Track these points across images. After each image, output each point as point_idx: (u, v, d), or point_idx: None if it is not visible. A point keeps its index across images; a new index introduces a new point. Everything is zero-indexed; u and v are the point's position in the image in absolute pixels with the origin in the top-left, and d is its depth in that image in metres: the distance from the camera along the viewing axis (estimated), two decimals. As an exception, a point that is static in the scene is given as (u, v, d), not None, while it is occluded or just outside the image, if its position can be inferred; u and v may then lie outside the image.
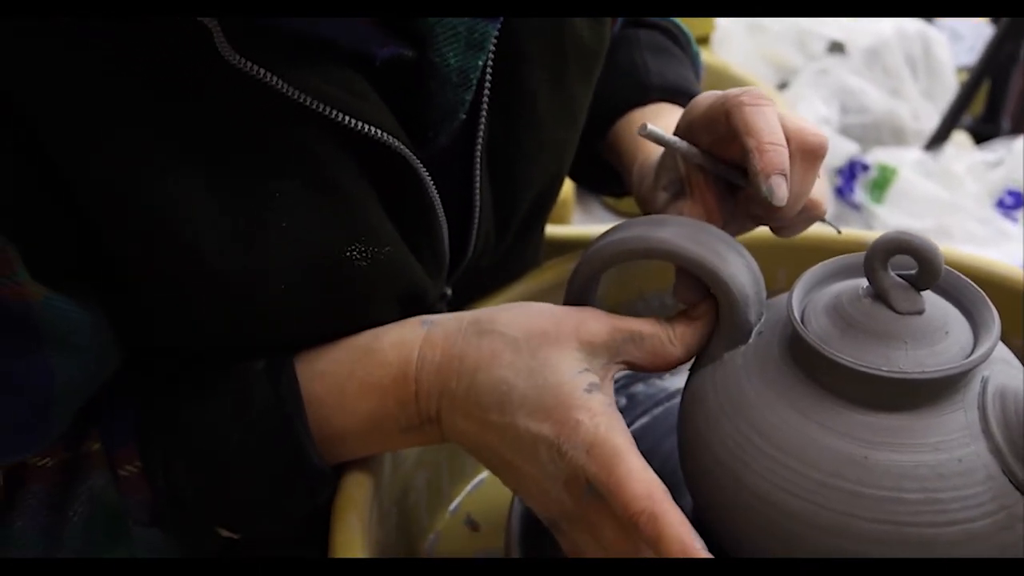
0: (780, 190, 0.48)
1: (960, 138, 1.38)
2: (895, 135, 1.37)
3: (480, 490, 0.70)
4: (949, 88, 1.40)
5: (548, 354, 0.47)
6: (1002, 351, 0.49)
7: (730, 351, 0.50)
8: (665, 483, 0.48)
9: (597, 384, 0.47)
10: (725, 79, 1.31)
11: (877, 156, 1.22)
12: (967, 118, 1.60)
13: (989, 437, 0.45)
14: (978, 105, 1.48)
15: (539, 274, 0.69)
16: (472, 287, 0.64)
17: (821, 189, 0.55)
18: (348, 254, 0.49)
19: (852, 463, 0.44)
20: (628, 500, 0.43)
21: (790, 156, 0.49)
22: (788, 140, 0.49)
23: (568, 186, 1.22)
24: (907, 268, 0.47)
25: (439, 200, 0.54)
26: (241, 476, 0.48)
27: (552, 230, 0.79)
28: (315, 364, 0.50)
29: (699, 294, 0.51)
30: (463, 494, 0.69)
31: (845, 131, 1.33)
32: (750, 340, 0.50)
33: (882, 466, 0.44)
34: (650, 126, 0.50)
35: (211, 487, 0.48)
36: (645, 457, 0.60)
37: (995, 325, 0.46)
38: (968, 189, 1.19)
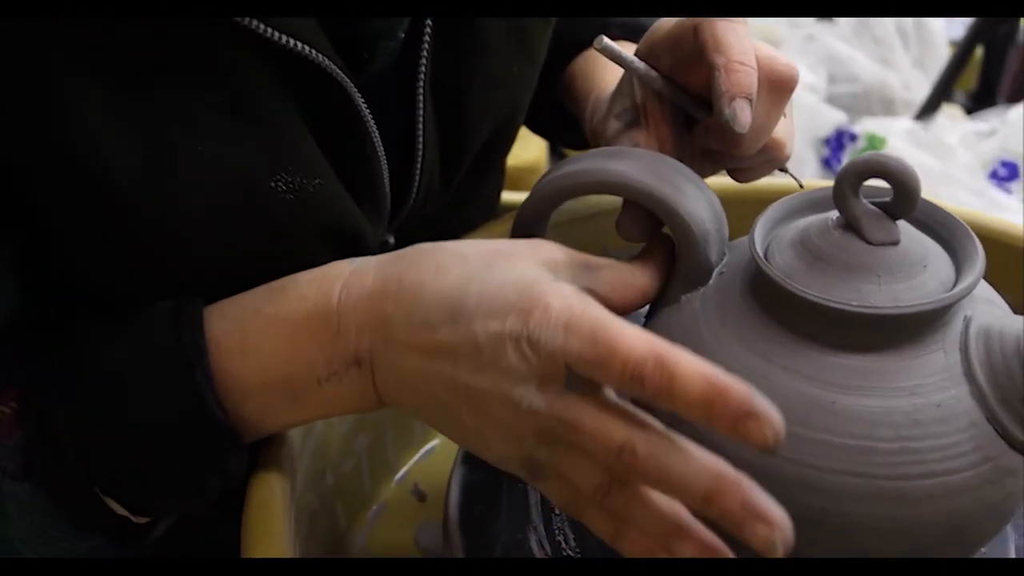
0: (744, 115, 0.43)
1: (952, 108, 1.34)
2: (885, 105, 1.32)
3: (430, 459, 0.65)
4: (941, 58, 1.36)
5: (506, 261, 0.40)
6: (986, 291, 0.44)
7: (688, 293, 0.46)
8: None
9: (557, 274, 0.41)
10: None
11: (865, 126, 1.17)
12: (961, 95, 1.55)
13: (971, 380, 0.40)
14: (970, 79, 1.44)
15: (495, 226, 0.64)
16: (418, 237, 0.59)
17: (787, 129, 0.50)
18: (273, 185, 0.44)
19: (818, 409, 0.40)
20: (627, 353, 0.35)
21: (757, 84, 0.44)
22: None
23: (541, 150, 1.17)
24: (882, 197, 0.42)
25: (376, 130, 0.49)
26: (130, 429, 0.42)
27: (519, 197, 0.74)
28: (221, 306, 0.44)
29: (645, 230, 0.46)
30: (411, 463, 0.65)
31: (832, 100, 1.28)
32: (710, 281, 0.46)
33: (852, 412, 0.39)
34: (606, 40, 0.45)
35: (94, 438, 0.42)
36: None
37: (979, 259, 0.41)
38: (960, 160, 1.15)
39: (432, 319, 0.40)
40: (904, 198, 0.41)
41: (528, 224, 0.49)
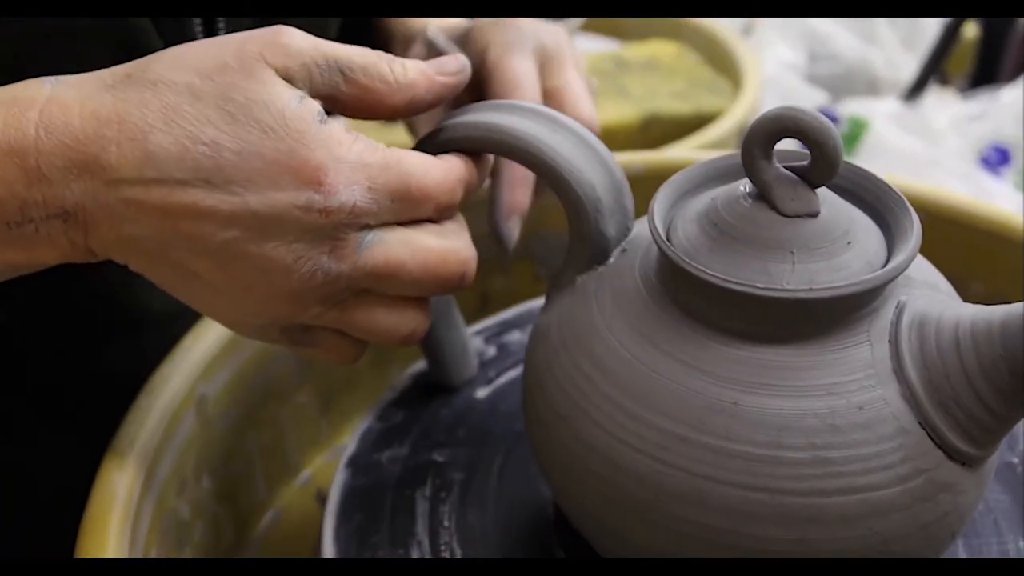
0: (516, 233, 0.47)
1: (942, 90, 1.27)
2: (869, 86, 1.25)
3: (339, 459, 0.59)
4: (930, 37, 1.29)
5: (244, 90, 0.34)
6: (928, 274, 0.38)
7: (584, 274, 0.40)
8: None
9: (322, 110, 0.35)
10: (684, 27, 1.20)
11: (848, 107, 1.11)
12: (958, 78, 1.48)
13: (902, 379, 0.34)
14: (964, 62, 1.36)
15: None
16: None
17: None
18: None
19: (717, 411, 0.34)
20: (437, 193, 0.36)
21: None
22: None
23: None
24: (801, 162, 0.36)
25: None
26: None
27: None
28: None
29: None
30: (317, 463, 0.59)
31: (813, 80, 1.21)
32: (610, 260, 0.39)
33: (756, 414, 0.33)
34: (431, 32, 0.45)
35: None
36: (513, 413, 0.50)
37: (914, 234, 0.35)
38: (949, 144, 1.08)
39: (174, 178, 0.33)
40: (823, 161, 0.34)
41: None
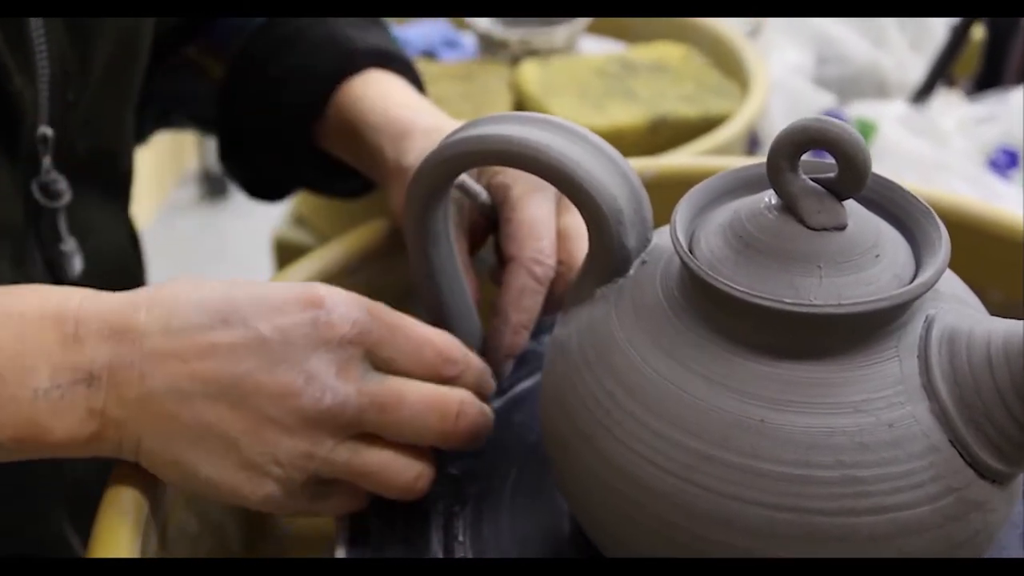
0: (509, 369, 0.49)
1: (951, 93, 1.26)
2: (878, 89, 1.24)
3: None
4: (938, 39, 1.28)
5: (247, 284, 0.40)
6: (956, 286, 0.37)
7: (604, 286, 0.39)
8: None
9: None
10: (690, 28, 1.19)
11: (856, 110, 1.10)
12: (964, 80, 1.47)
13: (932, 395, 0.33)
14: (972, 63, 1.36)
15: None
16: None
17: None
18: None
19: (744, 429, 0.33)
20: (440, 346, 0.41)
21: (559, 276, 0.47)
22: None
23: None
24: (827, 173, 0.35)
25: None
26: None
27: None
28: None
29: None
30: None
31: (822, 83, 1.20)
32: (630, 272, 0.39)
33: (784, 432, 0.33)
34: (464, 178, 0.46)
35: None
36: (527, 424, 0.49)
37: (943, 247, 0.34)
38: (957, 146, 1.07)
39: (195, 324, 0.37)
40: (851, 173, 0.34)
41: (420, 206, 0.42)
